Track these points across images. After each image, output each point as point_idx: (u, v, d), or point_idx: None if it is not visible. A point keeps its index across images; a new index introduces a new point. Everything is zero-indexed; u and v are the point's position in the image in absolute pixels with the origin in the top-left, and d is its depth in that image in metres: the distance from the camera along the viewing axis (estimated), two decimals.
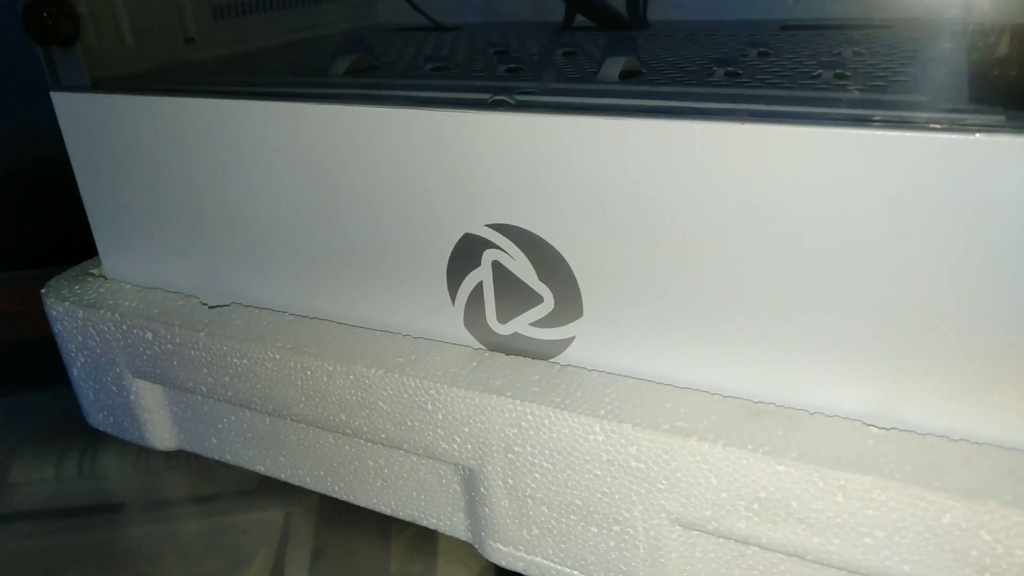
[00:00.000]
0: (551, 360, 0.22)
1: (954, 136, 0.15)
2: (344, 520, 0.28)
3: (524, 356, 0.22)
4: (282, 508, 0.29)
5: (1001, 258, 0.16)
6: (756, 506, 0.18)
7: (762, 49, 0.26)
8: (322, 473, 0.27)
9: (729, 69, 0.22)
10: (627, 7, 0.33)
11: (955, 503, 0.16)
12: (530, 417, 0.20)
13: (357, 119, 0.22)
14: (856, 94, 0.19)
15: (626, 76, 0.22)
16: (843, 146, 0.16)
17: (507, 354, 0.22)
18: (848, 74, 0.21)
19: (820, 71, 0.21)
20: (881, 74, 0.21)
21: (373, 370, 0.22)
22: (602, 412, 0.19)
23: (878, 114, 0.17)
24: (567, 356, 0.22)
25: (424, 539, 0.26)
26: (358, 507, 0.27)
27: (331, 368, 0.23)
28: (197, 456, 0.30)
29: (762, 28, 0.31)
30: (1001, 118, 0.16)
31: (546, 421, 0.20)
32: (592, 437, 0.19)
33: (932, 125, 0.16)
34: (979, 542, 0.16)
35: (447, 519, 0.24)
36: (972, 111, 0.16)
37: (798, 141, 0.17)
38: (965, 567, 0.16)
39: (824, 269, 0.17)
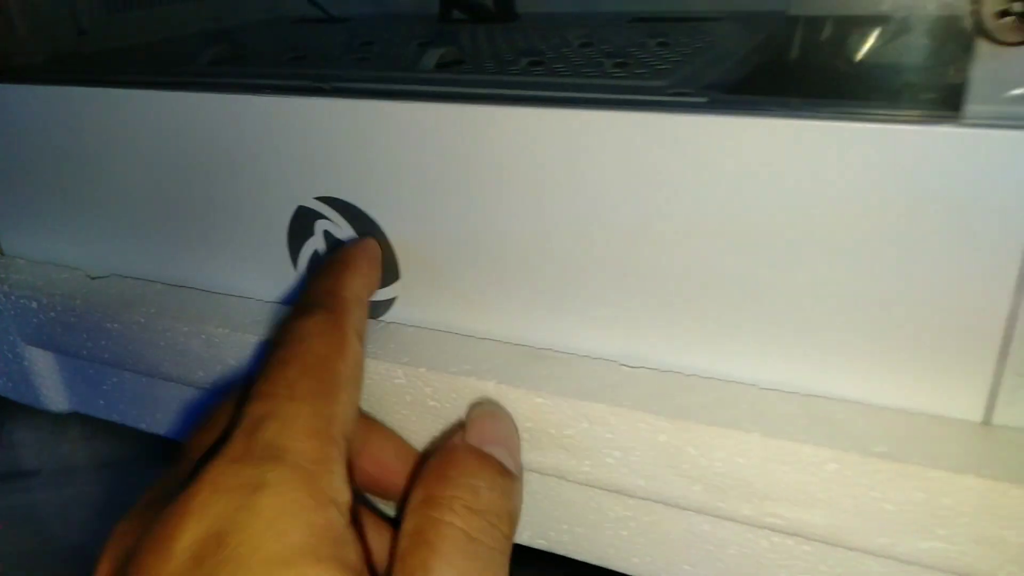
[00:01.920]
0: (380, 319, 0.25)
1: (654, 114, 0.18)
2: None
3: None
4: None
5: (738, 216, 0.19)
6: (526, 435, 0.21)
7: (585, 40, 0.28)
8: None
9: (534, 59, 0.25)
10: (495, 4, 0.36)
11: (667, 424, 0.19)
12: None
13: (205, 105, 0.24)
14: (615, 80, 0.22)
15: (444, 66, 0.25)
16: (583, 124, 0.19)
17: None
18: (628, 63, 0.24)
19: (607, 60, 0.24)
20: (657, 63, 0.24)
21: (222, 329, 0.25)
22: (405, 359, 0.22)
23: (618, 97, 0.19)
24: (391, 315, 0.25)
25: None
26: None
27: (187, 329, 0.26)
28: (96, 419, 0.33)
29: (615, 20, 0.34)
30: (702, 99, 0.19)
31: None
32: (396, 381, 0.22)
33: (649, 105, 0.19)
34: (688, 456, 0.19)
35: None
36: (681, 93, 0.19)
37: (544, 120, 0.20)
38: (681, 478, 0.19)
39: (578, 228, 0.20)
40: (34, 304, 0.29)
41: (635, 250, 0.20)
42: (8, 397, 0.34)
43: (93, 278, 0.30)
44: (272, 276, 0.26)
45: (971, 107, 0.16)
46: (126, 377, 0.30)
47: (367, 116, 0.22)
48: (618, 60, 0.24)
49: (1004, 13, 0.14)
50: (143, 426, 0.31)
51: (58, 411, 0.33)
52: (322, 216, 0.24)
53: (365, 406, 0.23)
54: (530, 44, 0.29)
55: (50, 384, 0.32)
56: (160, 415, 0.30)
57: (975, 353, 0.17)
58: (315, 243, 0.25)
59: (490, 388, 0.21)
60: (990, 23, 0.14)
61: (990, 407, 0.18)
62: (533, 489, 0.23)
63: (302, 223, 0.25)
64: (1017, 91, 0.15)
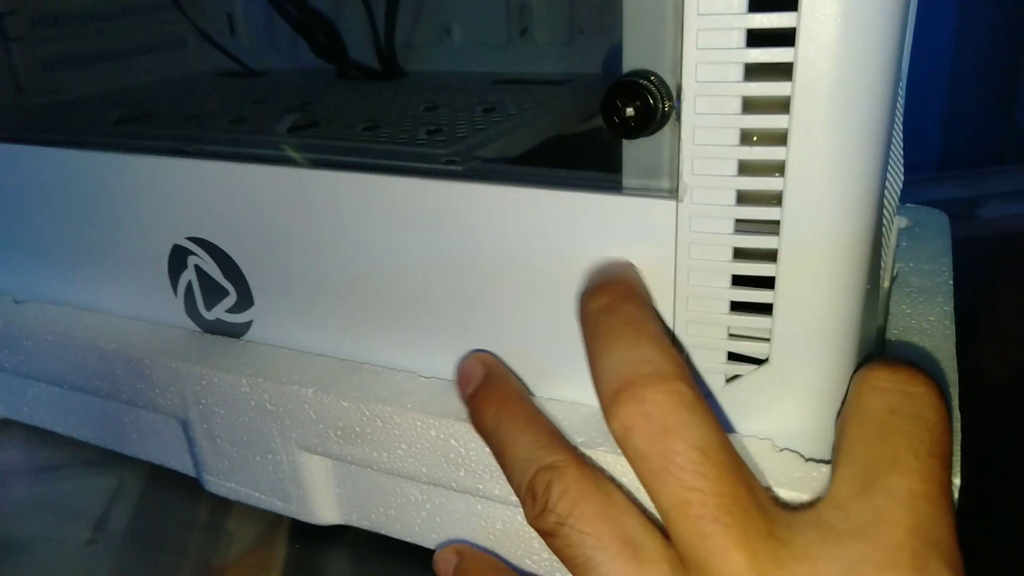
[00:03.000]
0: (243, 338, 0.30)
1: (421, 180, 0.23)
2: (164, 483, 0.35)
3: (226, 335, 0.30)
4: (116, 473, 0.36)
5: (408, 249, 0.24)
6: (339, 432, 0.26)
7: (429, 104, 0.34)
8: (100, 431, 0.34)
9: (370, 123, 0.30)
10: (379, 61, 0.41)
11: (435, 421, 0.24)
12: (209, 378, 0.28)
13: (103, 162, 0.30)
14: (410, 147, 0.27)
15: (296, 128, 0.30)
16: (361, 185, 0.24)
17: (213, 334, 0.30)
18: (441, 128, 0.29)
19: (424, 126, 0.30)
20: (462, 131, 0.29)
21: (112, 346, 0.30)
22: (248, 371, 0.27)
23: (395, 163, 0.25)
24: (251, 335, 0.30)
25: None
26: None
27: (84, 346, 0.31)
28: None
29: (483, 80, 0.40)
30: (458, 168, 0.24)
31: (215, 379, 0.28)
32: (241, 389, 0.27)
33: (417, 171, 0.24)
34: (451, 447, 0.24)
35: (181, 460, 0.32)
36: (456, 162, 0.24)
37: (330, 182, 0.25)
38: (449, 465, 0.24)
39: (374, 268, 0.26)
40: None
41: (419, 287, 0.25)
42: None
43: (17, 302, 0.35)
44: (157, 300, 0.31)
45: (625, 179, 0.21)
46: (43, 387, 0.35)
47: (221, 174, 0.27)
48: (431, 128, 0.29)
49: (616, 116, 0.19)
50: (60, 429, 0.36)
51: None
52: (193, 253, 0.29)
53: (220, 407, 0.28)
54: (382, 106, 0.34)
55: None
56: (74, 420, 0.35)
57: None
58: (188, 275, 0.30)
59: (309, 395, 0.26)
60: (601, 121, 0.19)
61: None
62: (354, 478, 0.28)
63: (178, 258, 0.30)
64: (650, 167, 0.20)
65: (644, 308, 0.20)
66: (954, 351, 0.26)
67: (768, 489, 0.20)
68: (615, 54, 0.20)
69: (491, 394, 0.23)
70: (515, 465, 0.21)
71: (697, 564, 0.17)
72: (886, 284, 0.31)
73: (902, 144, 0.32)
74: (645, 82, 0.19)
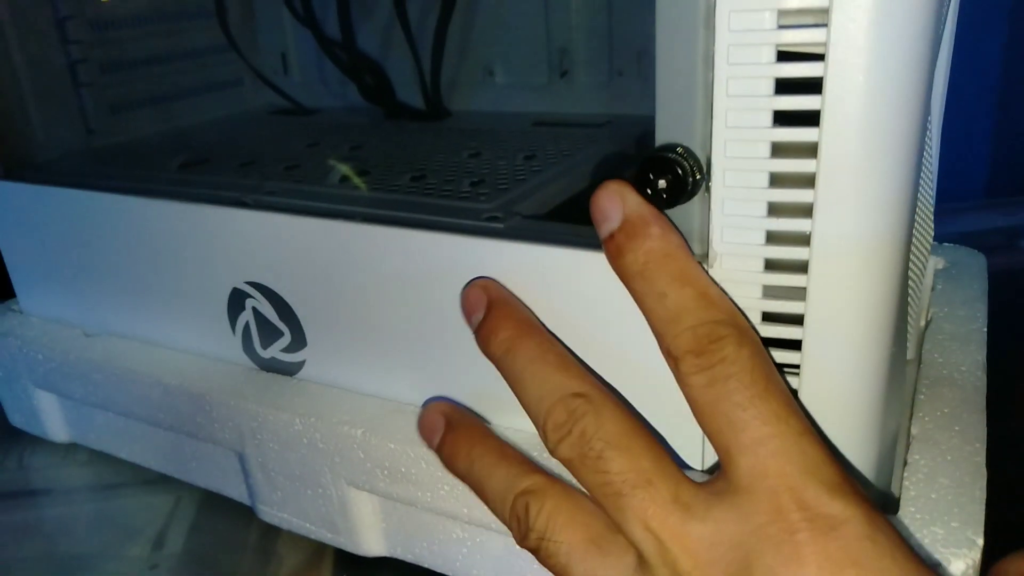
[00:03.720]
0: (295, 376, 0.32)
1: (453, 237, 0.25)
2: (218, 504, 0.37)
3: (280, 373, 0.32)
4: (173, 493, 0.39)
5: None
6: (386, 471, 0.27)
7: (473, 151, 0.35)
8: (161, 458, 0.37)
9: (416, 174, 0.32)
10: (424, 102, 0.43)
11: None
12: (264, 416, 0.30)
13: (166, 209, 0.32)
14: (454, 201, 0.28)
15: (348, 178, 0.32)
16: (410, 241, 0.26)
17: (268, 371, 0.32)
18: (483, 181, 0.30)
19: (467, 177, 0.31)
20: (502, 182, 0.30)
21: (175, 382, 0.32)
22: (301, 411, 0.29)
23: (440, 219, 0.26)
24: (303, 374, 0.31)
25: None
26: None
27: (149, 381, 0.33)
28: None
29: (523, 122, 0.41)
30: (500, 226, 0.25)
31: (270, 417, 0.30)
32: (295, 427, 0.29)
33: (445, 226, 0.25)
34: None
35: (237, 490, 0.34)
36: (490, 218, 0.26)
37: (381, 237, 0.26)
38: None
39: (421, 322, 0.27)
40: (40, 356, 0.37)
41: (459, 336, 0.26)
42: (23, 429, 0.42)
43: (88, 335, 0.37)
44: (217, 338, 0.33)
45: None
46: (111, 416, 0.37)
47: (277, 225, 0.29)
48: (474, 180, 0.31)
49: (649, 188, 0.20)
50: (124, 455, 0.38)
51: (60, 442, 0.40)
52: (250, 296, 0.31)
53: (274, 442, 0.30)
54: (428, 152, 0.36)
55: (54, 419, 0.40)
56: (137, 447, 0.37)
57: None
58: (246, 316, 0.32)
59: (358, 435, 0.27)
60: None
61: None
62: (400, 514, 0.29)
63: (236, 300, 0.32)
64: (684, 233, 0.21)
65: (539, 338, 0.23)
66: (984, 403, 0.26)
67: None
68: (652, 97, 0.21)
69: (456, 440, 0.25)
70: (495, 498, 0.23)
71: (630, 539, 0.20)
72: (921, 323, 0.31)
73: (934, 189, 0.32)
74: (675, 156, 0.20)
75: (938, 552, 0.20)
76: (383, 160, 0.35)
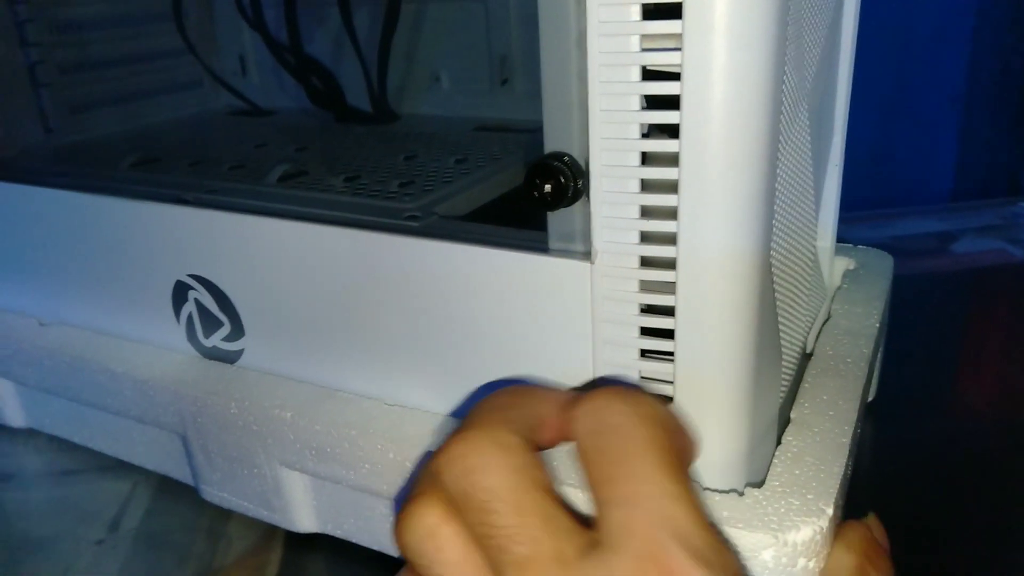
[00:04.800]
0: (235, 364, 0.34)
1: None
2: (173, 488, 0.39)
3: (221, 361, 0.34)
4: (130, 479, 0.40)
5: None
6: (314, 452, 0.30)
7: (408, 154, 0.37)
8: (112, 442, 0.38)
9: (350, 175, 0.34)
10: (371, 105, 0.45)
11: (393, 446, 0.27)
12: (204, 400, 0.32)
13: (115, 206, 0.34)
14: (378, 200, 0.30)
15: (287, 177, 0.34)
16: (326, 237, 0.28)
17: (210, 359, 0.34)
18: (413, 182, 0.33)
19: (397, 179, 0.33)
20: (429, 184, 0.32)
21: (122, 369, 0.34)
22: (237, 396, 0.31)
23: (359, 217, 0.28)
24: (243, 362, 0.33)
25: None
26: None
27: (97, 368, 0.35)
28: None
29: (465, 127, 0.43)
30: (415, 224, 0.27)
31: (209, 402, 0.32)
32: (231, 411, 0.31)
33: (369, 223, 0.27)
34: (406, 468, 0.27)
35: (182, 471, 0.36)
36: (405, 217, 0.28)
37: (311, 234, 0.28)
38: (408, 484, 0.28)
39: (346, 313, 0.29)
40: None
41: (380, 327, 0.28)
42: None
43: (42, 324, 0.39)
44: (162, 328, 0.35)
45: (550, 242, 0.24)
46: (64, 402, 0.39)
47: (217, 222, 0.31)
48: (403, 180, 0.33)
49: (535, 191, 0.22)
50: (77, 440, 0.40)
51: (17, 427, 0.42)
52: (192, 288, 0.33)
53: (214, 425, 0.32)
54: (368, 154, 0.38)
55: (11, 406, 0.41)
56: (89, 432, 0.39)
57: None
58: (189, 307, 0.34)
59: (288, 418, 0.30)
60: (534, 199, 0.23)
61: None
62: (329, 492, 0.31)
63: (180, 291, 0.33)
64: (568, 233, 0.24)
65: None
66: (860, 391, 0.28)
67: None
68: None
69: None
70: None
71: None
72: (820, 319, 0.34)
73: (834, 193, 0.35)
74: (559, 163, 0.22)
75: (790, 519, 0.22)
76: (324, 161, 0.37)
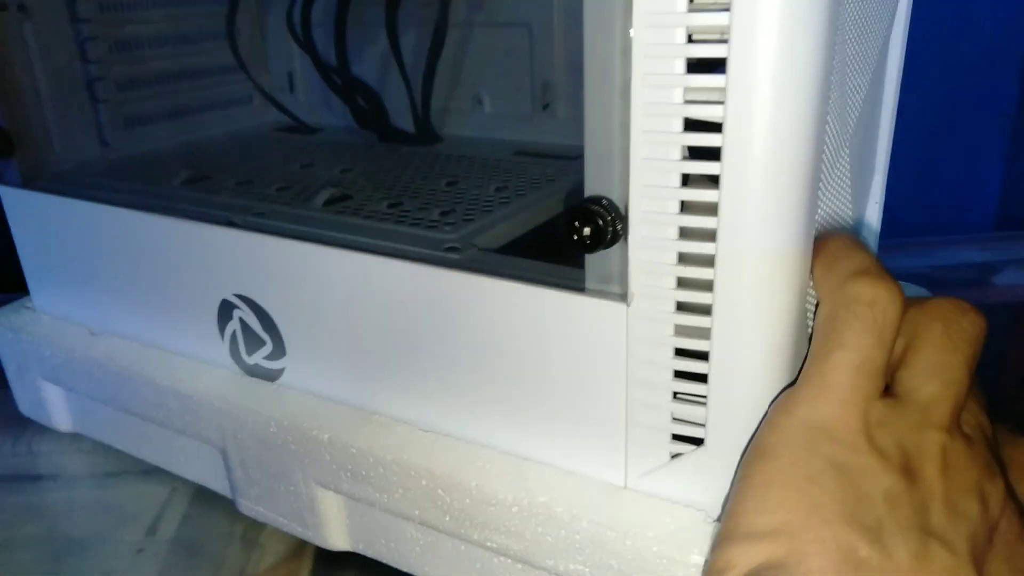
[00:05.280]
0: (276, 382, 0.35)
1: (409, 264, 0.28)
2: (209, 496, 0.40)
3: (262, 379, 0.35)
4: (168, 484, 0.42)
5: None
6: (349, 474, 0.30)
7: (451, 179, 0.38)
8: (154, 451, 0.40)
9: (393, 201, 0.35)
10: (414, 126, 0.46)
11: (426, 473, 0.28)
12: (245, 418, 0.33)
13: (165, 225, 0.35)
14: (418, 230, 0.31)
15: (332, 202, 0.35)
16: (368, 266, 0.29)
17: (252, 376, 0.35)
18: (453, 211, 0.33)
19: (437, 208, 0.34)
20: (470, 213, 0.33)
21: (167, 383, 0.35)
22: (277, 415, 0.32)
23: (399, 247, 0.29)
24: (283, 380, 0.34)
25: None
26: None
27: (143, 381, 0.36)
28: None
29: (506, 150, 0.44)
30: (456, 257, 0.28)
31: (250, 419, 0.33)
32: (271, 429, 0.32)
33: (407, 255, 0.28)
34: (439, 496, 0.28)
35: (220, 483, 0.37)
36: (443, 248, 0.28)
37: (351, 262, 0.29)
38: (437, 510, 0.28)
39: (386, 339, 0.30)
40: (48, 351, 0.40)
41: (420, 355, 0.29)
42: (31, 418, 0.45)
43: (93, 334, 0.40)
44: (208, 344, 0.36)
45: (588, 282, 0.25)
46: (110, 410, 0.40)
47: (262, 245, 0.32)
48: (444, 209, 0.33)
49: (575, 234, 0.23)
50: (121, 447, 0.41)
51: (64, 431, 0.44)
52: (237, 307, 0.34)
53: (252, 441, 0.33)
54: (411, 178, 0.39)
55: (59, 410, 0.43)
56: (133, 439, 0.40)
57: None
58: (233, 325, 0.35)
59: (326, 438, 0.30)
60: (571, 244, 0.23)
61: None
62: (362, 512, 0.32)
63: (225, 310, 0.35)
64: (605, 275, 0.24)
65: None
66: None
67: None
68: None
69: None
70: None
71: None
72: None
73: (878, 233, 0.35)
74: (598, 207, 0.23)
75: None
76: (368, 184, 0.38)
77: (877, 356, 0.20)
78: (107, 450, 0.43)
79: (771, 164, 0.20)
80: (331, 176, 0.40)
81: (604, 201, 0.23)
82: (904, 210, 0.75)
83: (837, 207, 0.26)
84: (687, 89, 0.21)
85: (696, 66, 0.21)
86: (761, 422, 0.22)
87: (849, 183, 0.27)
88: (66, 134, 0.43)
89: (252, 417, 0.32)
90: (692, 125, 0.21)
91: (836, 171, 0.25)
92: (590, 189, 0.23)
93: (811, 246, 0.22)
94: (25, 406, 0.44)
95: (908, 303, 0.22)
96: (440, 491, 0.28)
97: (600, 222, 0.23)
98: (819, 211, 0.23)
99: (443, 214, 0.33)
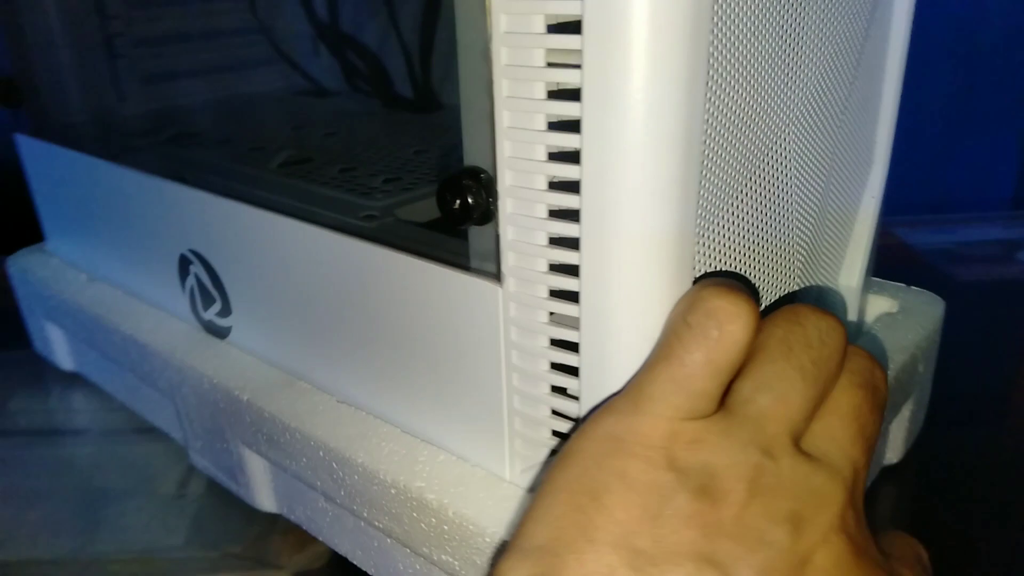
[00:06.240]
0: (226, 340, 0.35)
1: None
2: None
3: (215, 335, 0.35)
4: None
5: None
6: (265, 437, 0.30)
7: (420, 148, 0.37)
8: (131, 396, 0.41)
9: (347, 166, 0.34)
10: (413, 92, 0.45)
11: (324, 444, 0.27)
12: (186, 372, 0.33)
13: (132, 178, 0.35)
14: (352, 196, 0.30)
15: (288, 164, 0.34)
16: (283, 228, 0.28)
17: (208, 332, 0.35)
18: (397, 179, 0.32)
19: (383, 175, 0.33)
20: (416, 180, 0.32)
21: (129, 332, 0.36)
22: (211, 371, 0.32)
23: (323, 212, 0.28)
24: (231, 339, 0.34)
25: None
26: None
27: (111, 328, 0.37)
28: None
29: None
30: (368, 226, 0.27)
31: (189, 373, 0.33)
32: (204, 386, 0.32)
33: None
34: (333, 469, 0.27)
35: (176, 429, 0.38)
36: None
37: (276, 225, 0.28)
38: (336, 486, 0.28)
39: (307, 303, 0.29)
40: (47, 292, 0.42)
41: (332, 320, 0.28)
42: (39, 354, 0.47)
43: (90, 280, 0.42)
44: (175, 298, 0.37)
45: (471, 259, 0.23)
46: (94, 352, 0.42)
47: (207, 203, 0.32)
48: (390, 176, 0.32)
49: (446, 207, 0.21)
50: (108, 389, 0.43)
51: (66, 370, 0.46)
52: (192, 262, 0.34)
53: (193, 395, 0.33)
54: (387, 144, 0.38)
55: (61, 349, 0.45)
56: (117, 384, 0.42)
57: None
58: (191, 280, 0.35)
59: (244, 400, 0.30)
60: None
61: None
62: (284, 477, 0.32)
63: (184, 264, 0.35)
64: (483, 253, 0.22)
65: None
66: None
67: None
68: None
69: None
70: None
71: None
72: None
73: (874, 231, 0.31)
74: (470, 181, 0.21)
75: None
76: (340, 148, 0.37)
77: (703, 374, 0.18)
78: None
79: (636, 139, 0.18)
80: (310, 139, 0.40)
81: (482, 174, 0.21)
82: (925, 189, 0.73)
83: (790, 198, 0.23)
84: (549, 51, 0.19)
85: (559, 27, 0.18)
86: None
87: (814, 173, 0.24)
88: (83, 87, 0.45)
89: (191, 372, 0.33)
90: (561, 94, 0.19)
91: (773, 157, 0.22)
92: (468, 159, 0.22)
93: (692, 232, 0.20)
94: (36, 344, 0.47)
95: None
96: (334, 464, 0.27)
97: (469, 197, 0.21)
98: (735, 201, 0.21)
99: (387, 182, 0.32)
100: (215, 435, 0.33)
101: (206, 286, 0.34)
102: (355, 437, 0.27)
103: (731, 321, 0.18)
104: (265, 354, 0.33)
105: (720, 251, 0.21)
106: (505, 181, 0.20)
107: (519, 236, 0.21)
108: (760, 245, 0.24)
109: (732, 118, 0.20)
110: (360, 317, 0.27)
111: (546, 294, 0.21)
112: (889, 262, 0.54)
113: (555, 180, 0.20)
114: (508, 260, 0.21)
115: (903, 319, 0.34)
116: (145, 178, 0.35)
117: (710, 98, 0.19)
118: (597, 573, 0.16)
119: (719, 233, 0.21)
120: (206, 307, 0.35)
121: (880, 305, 0.35)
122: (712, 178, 0.20)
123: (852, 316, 0.32)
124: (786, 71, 0.22)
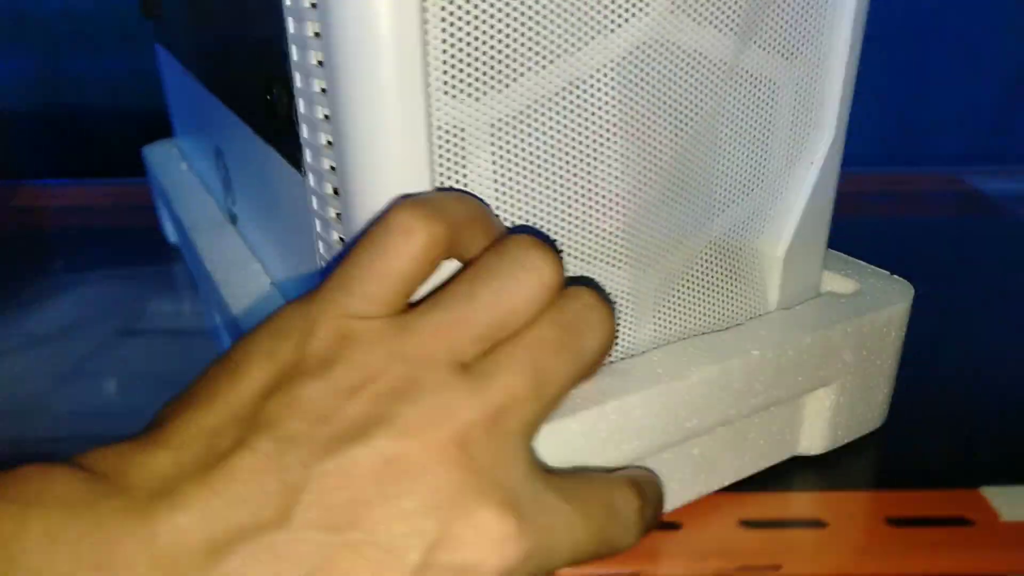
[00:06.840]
0: (237, 225, 0.41)
1: None
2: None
3: (232, 222, 0.41)
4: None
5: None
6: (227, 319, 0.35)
7: None
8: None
9: None
10: None
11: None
12: (195, 249, 0.40)
13: (190, 84, 0.42)
14: None
15: None
16: None
17: (232, 223, 0.42)
18: None
19: None
20: None
21: (189, 221, 0.43)
22: (207, 250, 0.38)
23: None
24: (239, 227, 0.40)
25: None
26: None
27: (176, 211, 0.45)
28: None
29: None
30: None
31: (192, 248, 0.39)
32: (206, 265, 0.38)
33: None
34: None
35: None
36: None
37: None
38: None
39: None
40: (160, 177, 0.51)
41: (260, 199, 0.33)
42: (169, 241, 0.57)
43: (188, 169, 0.50)
44: (219, 189, 0.43)
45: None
46: None
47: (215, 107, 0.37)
48: None
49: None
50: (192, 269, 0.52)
51: (172, 242, 0.55)
52: (219, 154, 0.40)
53: (201, 275, 0.40)
54: None
55: (168, 225, 0.55)
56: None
57: None
58: (222, 171, 0.41)
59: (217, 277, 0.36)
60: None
61: None
62: None
63: (218, 156, 0.41)
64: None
65: None
66: None
67: None
68: None
69: None
70: None
71: None
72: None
73: (812, 199, 0.29)
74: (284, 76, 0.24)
75: None
76: None
77: (366, 276, 0.19)
78: None
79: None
80: None
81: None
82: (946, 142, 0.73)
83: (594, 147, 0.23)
84: None
85: None
86: None
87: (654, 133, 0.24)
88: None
89: (194, 247, 0.39)
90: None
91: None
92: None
93: (425, 144, 0.21)
94: (166, 228, 0.57)
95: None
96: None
97: (279, 92, 0.24)
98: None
99: None
100: (209, 305, 0.40)
101: (229, 177, 0.40)
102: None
103: (403, 233, 0.19)
104: (253, 240, 0.38)
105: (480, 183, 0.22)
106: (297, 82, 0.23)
107: (308, 136, 0.23)
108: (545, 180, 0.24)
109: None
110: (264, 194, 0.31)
111: (332, 191, 0.23)
112: (961, 208, 0.55)
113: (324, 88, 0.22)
114: (307, 155, 0.24)
115: (846, 303, 0.30)
116: (192, 81, 0.41)
117: None
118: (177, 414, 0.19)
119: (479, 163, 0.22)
120: (227, 196, 0.41)
121: (835, 284, 0.32)
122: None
123: (773, 285, 0.30)
124: None
